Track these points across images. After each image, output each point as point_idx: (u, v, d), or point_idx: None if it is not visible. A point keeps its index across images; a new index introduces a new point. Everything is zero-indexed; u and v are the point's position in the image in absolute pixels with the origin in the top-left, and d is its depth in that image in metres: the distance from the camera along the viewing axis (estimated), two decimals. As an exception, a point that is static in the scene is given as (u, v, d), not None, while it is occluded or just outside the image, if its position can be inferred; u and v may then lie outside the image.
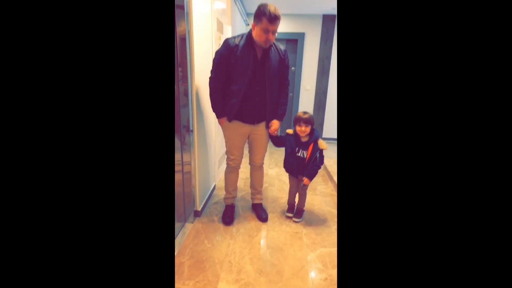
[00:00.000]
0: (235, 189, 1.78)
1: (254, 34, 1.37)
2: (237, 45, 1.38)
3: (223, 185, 1.81)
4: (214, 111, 1.54)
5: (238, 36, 1.43)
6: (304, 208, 1.83)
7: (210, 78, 1.47)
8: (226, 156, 1.69)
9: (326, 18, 3.58)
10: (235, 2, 2.67)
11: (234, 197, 1.80)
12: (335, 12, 3.42)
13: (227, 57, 1.39)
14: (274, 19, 1.27)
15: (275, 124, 1.59)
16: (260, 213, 1.78)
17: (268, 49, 1.42)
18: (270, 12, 1.26)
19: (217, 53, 1.44)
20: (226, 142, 1.64)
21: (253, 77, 1.42)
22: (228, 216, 1.72)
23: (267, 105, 1.50)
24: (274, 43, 1.46)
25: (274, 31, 1.33)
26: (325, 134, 3.96)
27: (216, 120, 1.75)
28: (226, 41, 1.41)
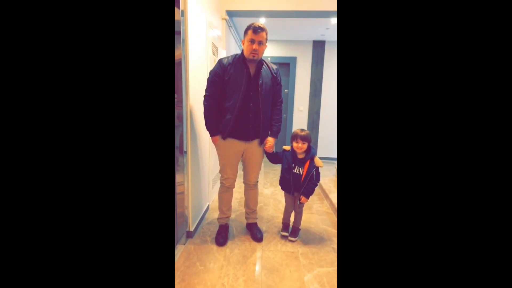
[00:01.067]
0: (229, 208, 1.74)
1: (244, 49, 1.46)
2: (230, 63, 1.45)
3: (217, 205, 1.77)
4: (208, 129, 1.55)
5: (231, 55, 1.51)
6: (300, 227, 1.79)
7: (204, 96, 1.51)
8: (219, 176, 1.68)
9: (316, 43, 3.78)
10: (230, 29, 2.82)
11: (228, 217, 1.75)
12: (324, 38, 3.63)
13: (221, 75, 1.44)
14: (258, 29, 1.40)
15: (270, 141, 1.60)
16: (255, 232, 1.73)
17: (260, 65, 1.48)
18: (254, 25, 1.41)
19: (211, 72, 1.49)
20: (220, 161, 1.63)
21: (247, 93, 1.45)
22: (222, 236, 1.67)
23: (261, 121, 1.52)
24: (265, 62, 1.53)
25: (260, 42, 1.41)
26: (319, 153, 3.99)
27: (210, 140, 1.77)
28: (220, 61, 1.48)
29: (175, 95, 1.43)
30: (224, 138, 1.52)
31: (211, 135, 1.55)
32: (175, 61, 1.40)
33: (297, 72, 3.89)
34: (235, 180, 1.67)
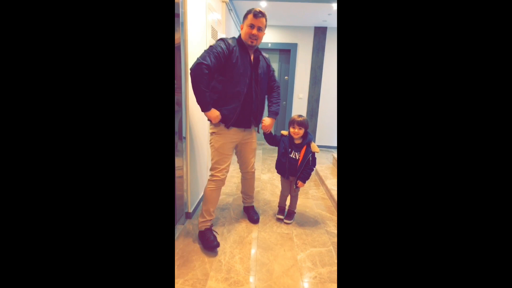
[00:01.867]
0: (215, 209, 1.59)
1: (242, 34, 1.43)
2: (235, 46, 1.39)
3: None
4: (201, 102, 1.32)
5: (231, 38, 1.44)
6: (295, 211, 1.84)
7: (198, 64, 1.26)
8: (210, 173, 1.52)
9: (317, 30, 3.72)
10: (230, 13, 2.78)
11: (213, 218, 1.56)
12: (325, 24, 3.57)
13: (226, 55, 1.35)
14: (258, 14, 1.38)
15: (267, 120, 1.60)
16: (252, 215, 1.78)
17: (258, 53, 1.48)
18: (255, 10, 1.39)
19: (213, 46, 1.35)
20: (214, 152, 1.48)
21: (250, 82, 1.43)
22: (212, 239, 1.45)
23: (260, 109, 1.55)
24: (260, 51, 1.52)
25: (259, 28, 1.39)
26: (318, 141, 4.02)
27: (208, 125, 1.63)
28: (224, 40, 1.39)
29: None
30: (228, 127, 1.44)
31: (206, 109, 1.34)
32: (174, 45, 1.40)
33: (298, 59, 3.85)
34: (228, 172, 1.58)
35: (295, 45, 3.81)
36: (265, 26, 1.43)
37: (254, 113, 1.50)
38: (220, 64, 1.33)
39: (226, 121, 1.42)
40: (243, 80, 1.39)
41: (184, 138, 1.60)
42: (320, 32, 3.73)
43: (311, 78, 3.89)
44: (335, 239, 1.62)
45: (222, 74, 1.38)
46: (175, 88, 1.45)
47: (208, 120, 1.43)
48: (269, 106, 1.64)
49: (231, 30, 2.99)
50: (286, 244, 1.54)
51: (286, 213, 1.82)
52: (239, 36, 1.46)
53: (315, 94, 3.92)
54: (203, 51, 1.35)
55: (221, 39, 1.40)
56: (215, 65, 1.31)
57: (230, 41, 1.40)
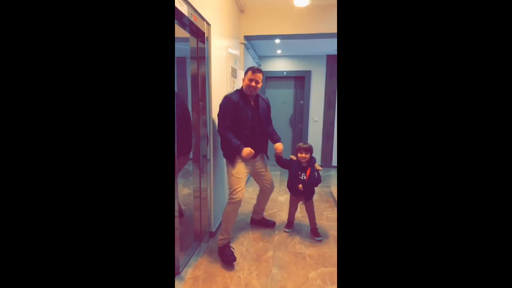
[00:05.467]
0: (233, 228, 1.83)
1: (243, 85, 1.80)
2: (236, 99, 1.75)
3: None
4: (234, 149, 1.72)
5: (233, 92, 1.81)
6: (317, 227, 2.06)
7: (220, 129, 1.76)
8: (228, 197, 1.77)
9: (329, 57, 3.97)
10: (248, 51, 3.12)
11: (230, 236, 1.79)
12: (336, 52, 3.81)
13: (232, 109, 1.73)
14: (256, 70, 1.77)
15: (279, 145, 1.91)
16: (268, 222, 2.12)
17: (257, 98, 1.86)
18: (253, 67, 1.79)
19: (223, 108, 1.74)
20: (232, 177, 1.76)
21: (252, 122, 1.79)
22: (229, 253, 1.68)
23: (263, 141, 1.89)
24: (259, 94, 1.89)
25: (256, 81, 1.75)
26: (334, 162, 4.12)
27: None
28: (228, 97, 1.75)
29: (200, 103, 1.75)
30: (233, 162, 1.76)
31: (239, 150, 1.70)
32: (201, 76, 1.74)
33: (312, 85, 4.09)
34: (243, 194, 1.81)
35: (309, 72, 4.07)
36: (262, 80, 1.81)
37: (257, 145, 1.82)
38: (230, 119, 1.74)
39: (232, 158, 1.78)
40: (246, 122, 1.76)
41: (209, 160, 1.86)
42: (332, 60, 3.96)
43: (325, 102, 4.08)
44: (346, 260, 1.72)
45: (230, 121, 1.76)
46: (202, 110, 1.76)
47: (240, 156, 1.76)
48: (272, 136, 1.97)
49: (249, 65, 3.33)
50: (299, 263, 1.68)
51: (311, 232, 2.05)
52: (241, 88, 1.83)
53: (330, 117, 4.09)
54: (224, 81, 1.76)
55: (226, 97, 1.76)
56: (229, 123, 1.74)
57: (233, 96, 1.76)
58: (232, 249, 1.74)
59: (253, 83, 1.75)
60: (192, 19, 1.45)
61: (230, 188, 1.78)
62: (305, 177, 1.95)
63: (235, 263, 1.65)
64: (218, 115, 1.77)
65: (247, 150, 1.71)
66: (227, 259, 1.65)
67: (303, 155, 1.93)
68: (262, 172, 1.96)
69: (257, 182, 2.04)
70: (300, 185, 1.95)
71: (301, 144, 1.97)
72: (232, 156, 1.77)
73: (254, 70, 1.76)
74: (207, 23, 1.70)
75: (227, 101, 1.75)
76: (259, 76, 1.77)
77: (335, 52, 3.80)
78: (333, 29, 2.57)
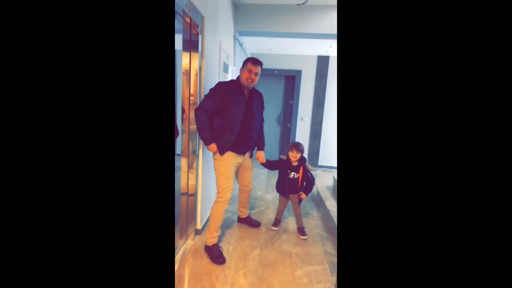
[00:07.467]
0: (220, 226, 1.78)
1: (241, 77, 1.71)
2: (230, 89, 1.65)
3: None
4: (204, 138, 1.64)
5: (228, 81, 1.75)
6: (304, 225, 2.09)
7: (198, 109, 1.59)
8: (216, 196, 1.73)
9: (320, 58, 4.00)
10: (240, 46, 3.08)
11: (219, 234, 1.76)
12: (327, 53, 3.85)
13: (222, 96, 1.61)
14: (256, 61, 1.68)
15: (261, 155, 1.94)
16: (252, 222, 2.12)
17: (252, 91, 1.78)
18: (253, 58, 1.71)
19: (212, 90, 1.64)
20: (220, 176, 1.71)
21: (245, 115, 1.71)
22: (218, 254, 1.67)
23: (253, 137, 1.84)
24: (254, 88, 1.81)
25: (256, 73, 1.67)
26: (321, 161, 4.19)
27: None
28: (222, 84, 1.67)
29: (191, 98, 1.69)
30: (222, 153, 1.68)
31: (208, 143, 1.65)
32: (194, 70, 1.68)
33: (302, 84, 4.11)
34: (231, 193, 1.77)
35: (299, 72, 4.09)
36: (260, 72, 1.72)
37: (248, 141, 1.79)
38: (217, 106, 1.62)
39: (221, 150, 1.69)
40: (238, 116, 1.67)
41: (197, 156, 1.81)
42: (323, 60, 4.00)
43: (314, 102, 4.12)
44: (331, 258, 1.76)
45: (222, 112, 1.65)
46: (193, 105, 1.70)
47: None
48: (258, 140, 1.92)
49: (241, 60, 3.28)
50: (286, 262, 1.69)
51: (298, 231, 2.07)
52: (238, 78, 1.75)
53: (318, 117, 4.14)
54: (215, 75, 1.64)
55: (219, 84, 1.68)
56: (213, 108, 1.61)
57: (228, 85, 1.68)
58: (220, 248, 1.72)
59: (252, 75, 1.66)
60: (187, 10, 1.40)
61: (218, 187, 1.75)
62: (295, 176, 1.96)
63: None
64: (205, 96, 1.65)
65: (213, 148, 1.67)
66: (215, 259, 1.63)
67: (295, 153, 1.94)
68: (247, 172, 1.94)
69: (238, 180, 1.99)
70: (303, 195, 1.96)
71: (293, 142, 1.99)
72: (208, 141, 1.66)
73: (254, 61, 1.67)
74: (202, 15, 1.65)
75: (218, 87, 1.65)
76: (259, 69, 1.68)
77: (326, 53, 3.84)
78: (326, 29, 2.59)
